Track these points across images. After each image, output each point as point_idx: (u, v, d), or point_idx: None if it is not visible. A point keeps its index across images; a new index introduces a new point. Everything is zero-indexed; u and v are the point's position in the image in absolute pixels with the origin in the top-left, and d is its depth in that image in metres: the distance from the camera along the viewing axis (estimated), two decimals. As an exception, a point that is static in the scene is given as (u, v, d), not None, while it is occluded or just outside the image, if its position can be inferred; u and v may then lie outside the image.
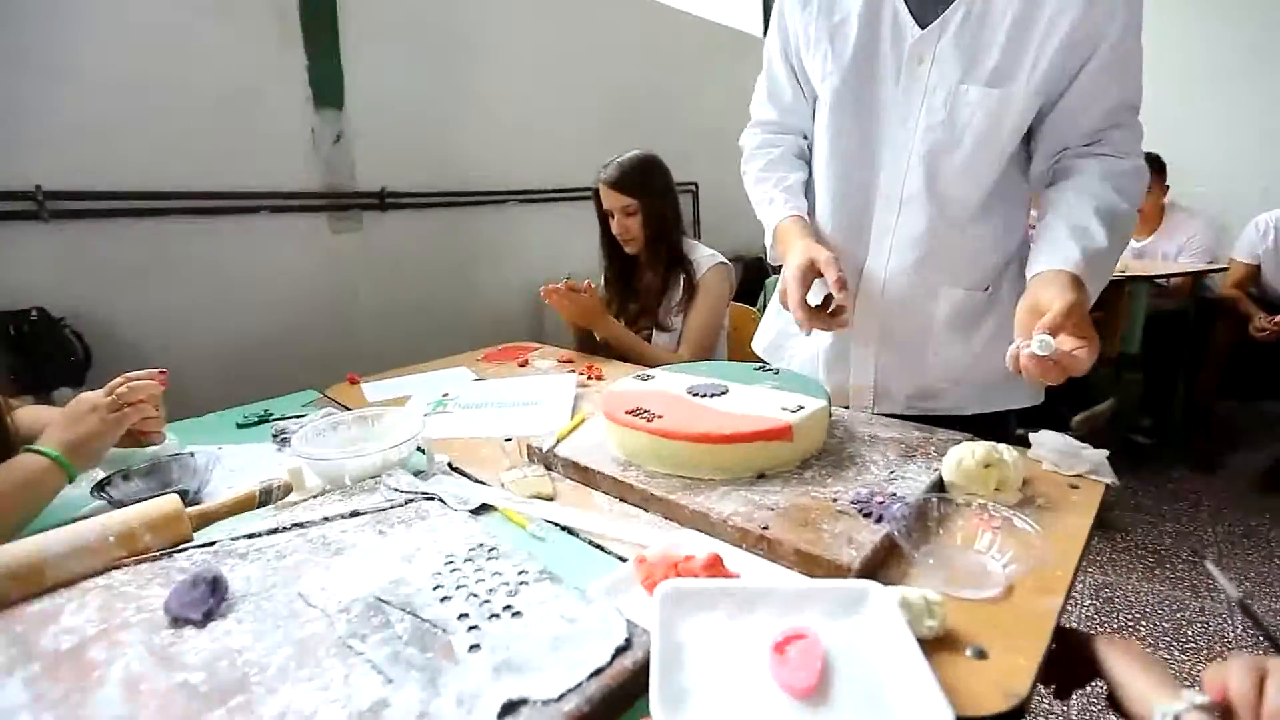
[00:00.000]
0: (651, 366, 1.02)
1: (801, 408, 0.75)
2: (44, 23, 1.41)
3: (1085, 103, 0.78)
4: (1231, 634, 1.61)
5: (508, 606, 0.50)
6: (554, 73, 2.56)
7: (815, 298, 0.86)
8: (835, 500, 0.64)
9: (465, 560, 0.57)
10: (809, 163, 1.00)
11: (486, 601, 0.51)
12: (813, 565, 0.56)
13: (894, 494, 0.64)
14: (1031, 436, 0.78)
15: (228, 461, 0.88)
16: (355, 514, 0.67)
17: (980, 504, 0.61)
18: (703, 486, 0.69)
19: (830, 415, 0.82)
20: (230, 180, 1.71)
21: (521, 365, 1.37)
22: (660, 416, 0.74)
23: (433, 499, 0.70)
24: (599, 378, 1.24)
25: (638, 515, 0.69)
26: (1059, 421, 2.05)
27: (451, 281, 2.32)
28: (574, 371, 1.27)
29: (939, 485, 0.69)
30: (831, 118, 0.88)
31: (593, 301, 1.47)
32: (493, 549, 0.59)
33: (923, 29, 0.79)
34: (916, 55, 0.79)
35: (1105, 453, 0.74)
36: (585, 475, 0.77)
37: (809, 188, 0.98)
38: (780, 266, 0.92)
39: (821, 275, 0.82)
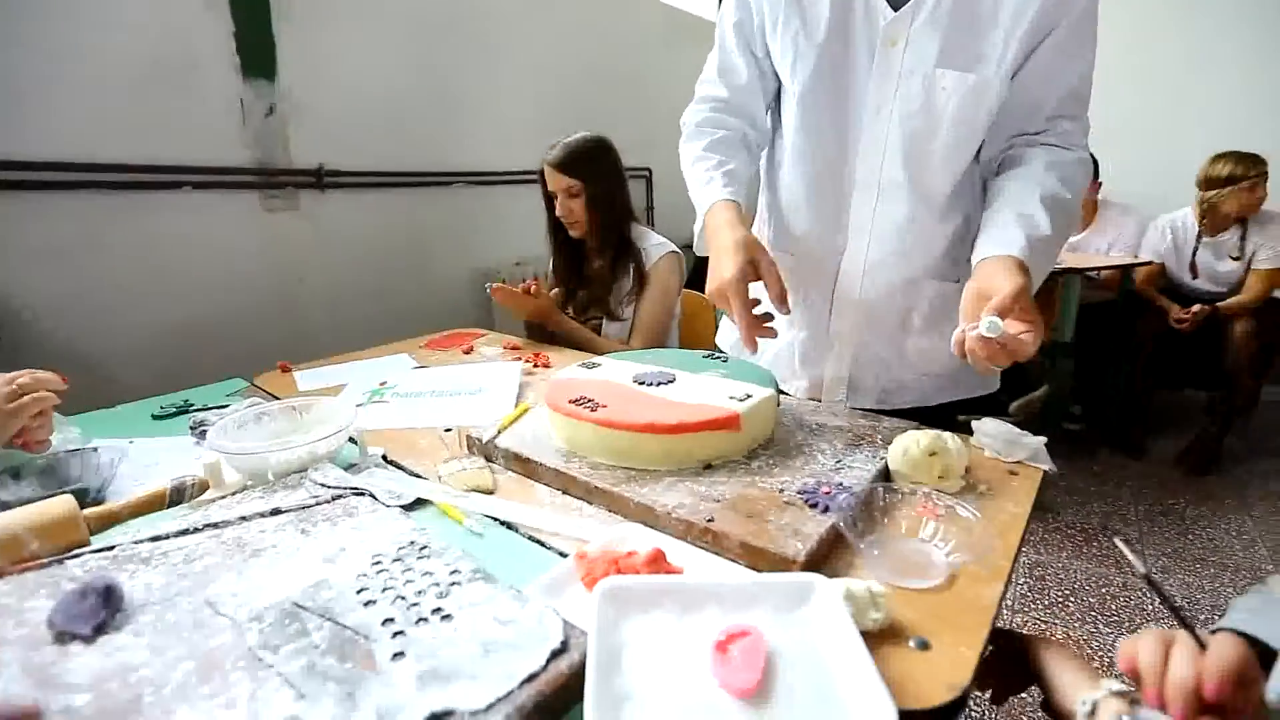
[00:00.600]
0: (602, 355, 0.99)
1: (749, 396, 0.73)
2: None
3: (1041, 81, 0.77)
4: (1150, 607, 1.71)
5: (437, 609, 0.47)
6: (508, 52, 2.47)
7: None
8: (782, 491, 0.63)
9: (394, 560, 0.53)
10: (753, 155, 0.96)
11: (415, 605, 0.48)
12: (758, 558, 0.54)
13: (840, 484, 0.64)
14: (974, 424, 0.79)
15: (139, 457, 0.82)
16: (276, 512, 0.62)
17: (925, 492, 0.61)
18: (648, 478, 0.67)
19: (778, 404, 0.81)
20: (149, 153, 1.57)
21: (466, 352, 1.32)
22: (604, 406, 0.72)
23: (363, 494, 0.66)
24: (546, 365, 1.21)
25: (580, 508, 0.67)
26: (998, 407, 2.12)
27: (397, 266, 2.22)
28: (520, 359, 1.23)
29: (885, 474, 0.69)
30: (803, 104, 0.85)
31: (543, 301, 1.44)
32: (424, 547, 0.55)
33: (895, 11, 0.77)
34: (890, 38, 0.77)
35: (1043, 439, 0.75)
36: (527, 467, 0.74)
37: (755, 179, 0.95)
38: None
39: (759, 279, 0.78)
